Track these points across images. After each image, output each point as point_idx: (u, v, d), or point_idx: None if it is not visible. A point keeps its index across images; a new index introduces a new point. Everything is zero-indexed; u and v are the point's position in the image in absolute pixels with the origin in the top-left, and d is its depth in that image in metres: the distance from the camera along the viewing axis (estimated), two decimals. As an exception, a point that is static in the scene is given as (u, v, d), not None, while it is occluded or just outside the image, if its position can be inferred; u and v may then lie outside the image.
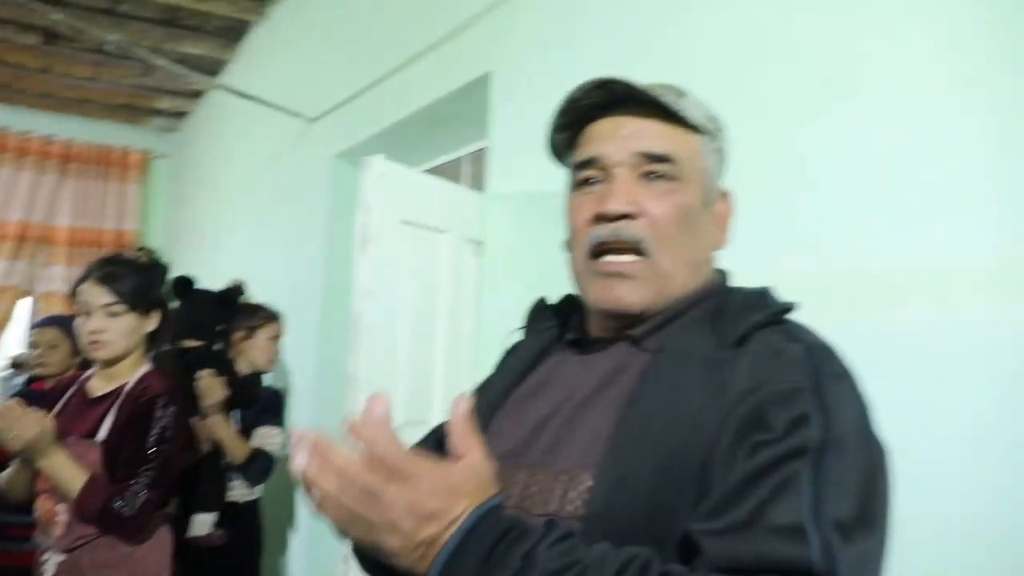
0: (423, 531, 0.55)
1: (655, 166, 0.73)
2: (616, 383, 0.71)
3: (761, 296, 0.73)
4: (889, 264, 1.06)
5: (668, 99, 0.73)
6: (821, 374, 0.63)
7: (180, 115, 5.96)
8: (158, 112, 5.85)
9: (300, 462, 0.57)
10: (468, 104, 2.34)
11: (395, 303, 1.82)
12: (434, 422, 1.99)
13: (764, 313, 0.69)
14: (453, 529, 0.56)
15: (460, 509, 0.56)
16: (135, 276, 1.70)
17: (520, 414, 0.78)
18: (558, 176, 1.86)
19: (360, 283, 1.72)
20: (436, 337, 1.99)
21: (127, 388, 1.68)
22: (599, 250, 0.74)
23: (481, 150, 2.64)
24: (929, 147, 1.04)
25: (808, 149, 1.18)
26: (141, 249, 1.88)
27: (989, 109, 0.99)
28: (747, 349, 0.66)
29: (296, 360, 3.23)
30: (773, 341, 0.67)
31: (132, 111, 5.77)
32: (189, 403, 1.97)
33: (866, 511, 0.59)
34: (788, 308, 0.72)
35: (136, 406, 1.63)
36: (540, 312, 0.91)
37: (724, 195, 0.80)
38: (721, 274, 0.80)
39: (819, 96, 1.18)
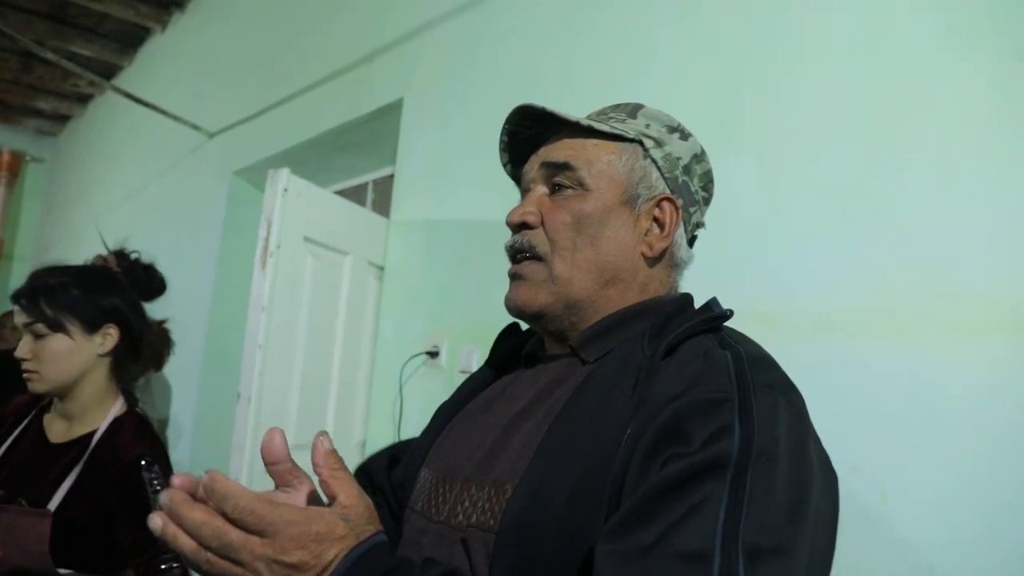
0: None
1: (557, 175, 0.76)
2: (552, 395, 0.71)
3: (702, 310, 0.73)
4: (893, 302, 1.07)
5: (578, 117, 0.76)
6: (750, 384, 0.60)
7: (61, 119, 5.61)
8: (37, 113, 5.48)
9: (155, 522, 0.54)
10: (378, 129, 2.35)
11: (292, 321, 1.78)
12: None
13: (696, 320, 0.68)
14: None
15: (331, 556, 0.54)
16: (66, 287, 1.34)
17: (468, 428, 0.78)
18: (462, 205, 1.93)
19: (257, 298, 1.67)
20: (332, 358, 1.95)
21: (95, 440, 1.32)
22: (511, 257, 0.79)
23: (387, 177, 2.65)
24: (932, 179, 1.05)
25: (808, 182, 1.19)
26: (121, 253, 1.54)
27: (993, 127, 0.99)
28: (678, 354, 0.65)
29: (179, 379, 3.07)
30: (702, 346, 0.65)
31: (5, 108, 5.37)
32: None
33: (787, 535, 0.54)
34: (723, 316, 0.70)
35: (114, 478, 1.27)
36: (506, 335, 0.91)
37: (665, 200, 0.77)
38: (680, 295, 0.79)
39: (817, 123, 1.19)
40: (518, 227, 0.77)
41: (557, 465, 0.62)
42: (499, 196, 1.79)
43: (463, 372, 1.73)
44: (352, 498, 0.58)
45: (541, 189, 0.78)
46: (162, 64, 4.11)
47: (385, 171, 2.66)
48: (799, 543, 0.55)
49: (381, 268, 2.12)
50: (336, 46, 2.51)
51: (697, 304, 0.76)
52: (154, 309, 2.59)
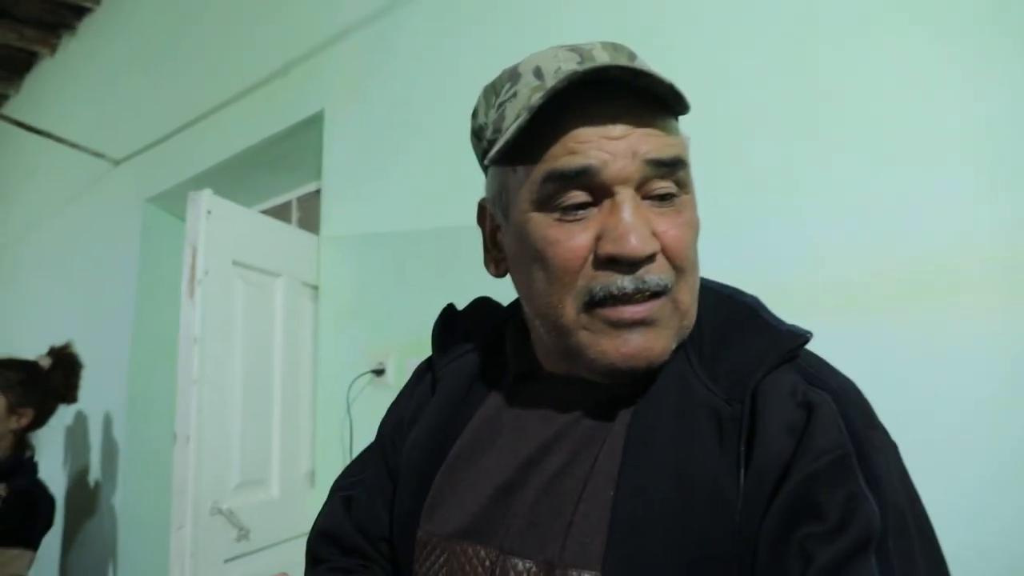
0: None
1: (667, 178, 0.56)
2: (596, 444, 0.59)
3: (751, 313, 0.60)
4: (895, 266, 1.04)
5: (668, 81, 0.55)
6: (858, 428, 0.53)
7: (-56, 155, 5.19)
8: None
9: None
10: (299, 144, 2.26)
11: (227, 351, 1.68)
12: (274, 479, 1.85)
13: (777, 354, 0.56)
14: None
15: None
16: None
17: (468, 475, 0.64)
18: (394, 214, 1.86)
19: (187, 330, 1.56)
20: (272, 387, 1.85)
21: None
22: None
23: (311, 194, 2.55)
24: (932, 143, 1.03)
25: (807, 151, 1.16)
26: None
27: (994, 100, 0.98)
28: (763, 399, 0.54)
29: (100, 426, 2.87)
30: (791, 387, 0.55)
31: None
32: None
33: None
34: (805, 340, 0.57)
35: None
36: (453, 331, 0.73)
37: None
38: (705, 298, 0.64)
39: (815, 98, 1.16)
40: (637, 260, 0.55)
41: (650, 547, 0.52)
42: (431, 202, 1.74)
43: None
44: None
45: (633, 196, 0.55)
46: (54, 89, 3.86)
47: (309, 187, 2.56)
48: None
49: (315, 287, 2.03)
50: (248, 60, 2.40)
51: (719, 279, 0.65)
52: (58, 336, 2.40)
